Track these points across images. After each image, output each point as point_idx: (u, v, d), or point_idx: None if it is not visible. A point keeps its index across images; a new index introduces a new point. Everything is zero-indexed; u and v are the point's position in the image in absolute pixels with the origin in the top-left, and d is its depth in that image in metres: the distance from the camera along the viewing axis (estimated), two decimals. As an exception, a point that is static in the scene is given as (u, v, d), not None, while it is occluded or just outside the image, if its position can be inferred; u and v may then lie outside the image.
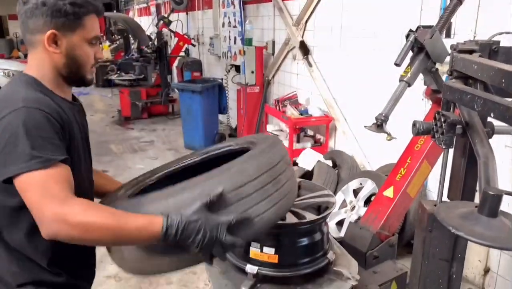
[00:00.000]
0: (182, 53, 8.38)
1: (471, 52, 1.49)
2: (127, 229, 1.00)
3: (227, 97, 6.09)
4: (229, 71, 6.21)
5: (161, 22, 7.96)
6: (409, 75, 1.87)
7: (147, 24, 11.96)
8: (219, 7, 6.64)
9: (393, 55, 3.19)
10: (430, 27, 1.90)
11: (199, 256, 1.07)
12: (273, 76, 5.46)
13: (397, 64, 1.86)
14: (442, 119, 1.39)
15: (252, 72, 5.38)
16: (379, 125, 1.85)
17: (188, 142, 5.78)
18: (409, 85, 1.89)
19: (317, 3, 4.24)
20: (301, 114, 4.23)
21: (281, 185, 1.18)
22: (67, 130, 1.12)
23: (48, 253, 1.15)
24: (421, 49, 1.90)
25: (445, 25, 1.96)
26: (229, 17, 6.19)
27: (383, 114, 1.84)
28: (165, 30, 8.05)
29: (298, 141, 4.29)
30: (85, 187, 1.23)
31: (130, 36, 9.44)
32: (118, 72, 10.54)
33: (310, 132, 4.65)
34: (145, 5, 13.44)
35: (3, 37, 21.97)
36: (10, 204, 1.10)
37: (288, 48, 4.93)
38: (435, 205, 1.71)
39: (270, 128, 4.94)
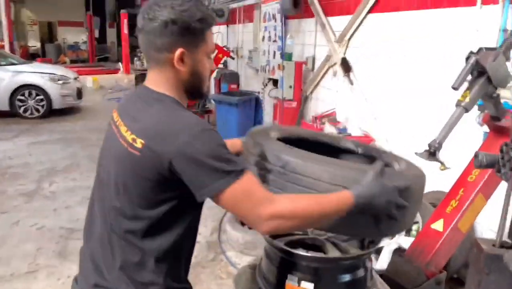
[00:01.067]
0: (220, 65, 8.43)
1: (545, 80, 1.34)
2: (328, 207, 1.13)
3: (263, 111, 6.03)
4: (266, 85, 6.16)
5: (202, 33, 8.03)
6: (467, 100, 1.72)
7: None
8: (260, 21, 6.63)
9: (442, 78, 3.06)
10: (493, 49, 1.75)
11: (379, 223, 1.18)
12: (311, 92, 5.35)
13: (455, 88, 1.71)
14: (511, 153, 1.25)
15: (290, 87, 5.30)
16: (432, 153, 1.70)
17: (222, 154, 5.74)
18: (467, 111, 1.74)
19: (362, 20, 4.13)
20: (340, 133, 4.09)
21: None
22: None
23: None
24: (481, 72, 1.75)
25: (510, 48, 1.80)
26: (269, 32, 6.16)
27: (437, 142, 1.69)
28: (205, 41, 8.11)
29: (335, 161, 4.14)
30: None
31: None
32: (157, 81, 10.74)
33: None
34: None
35: (52, 42, 23.02)
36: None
37: (329, 65, 4.82)
38: (493, 245, 1.55)
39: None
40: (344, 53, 4.49)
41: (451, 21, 3.02)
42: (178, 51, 1.14)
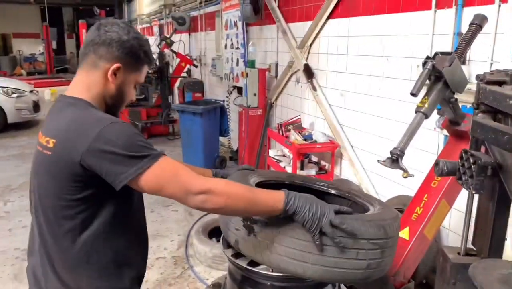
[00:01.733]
0: (184, 74, 8.30)
1: (500, 83, 1.34)
2: (259, 199, 1.17)
3: (229, 119, 5.96)
4: (231, 93, 6.10)
5: (163, 42, 7.91)
6: (426, 106, 1.71)
7: (150, 44, 11.94)
8: (222, 28, 6.58)
9: (403, 81, 3.11)
10: (448, 53, 1.76)
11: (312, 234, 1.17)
12: (276, 99, 5.33)
13: (414, 94, 1.70)
14: (471, 160, 1.23)
15: (255, 94, 5.26)
16: (395, 160, 1.68)
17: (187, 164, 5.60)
18: (427, 117, 1.73)
19: (322, 26, 4.15)
20: (305, 140, 4.07)
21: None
22: None
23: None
24: (439, 77, 1.75)
25: (464, 52, 1.82)
26: (231, 39, 6.12)
27: (399, 149, 1.67)
28: (167, 50, 7.99)
29: (302, 168, 4.12)
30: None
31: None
32: (119, 91, 10.48)
33: (314, 159, 4.48)
34: (148, 25, 13.48)
35: (7, 54, 22.10)
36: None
37: (292, 71, 4.82)
38: (458, 253, 1.53)
39: (272, 153, 4.78)
40: (306, 59, 4.49)
41: (408, 26, 3.07)
42: (116, 64, 1.24)
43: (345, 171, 4.02)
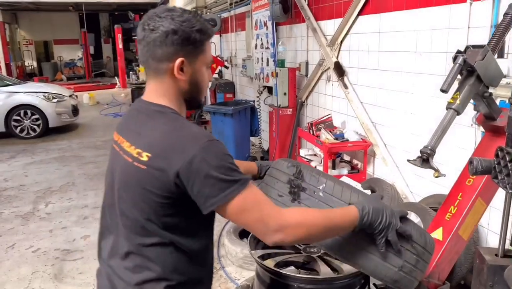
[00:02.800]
0: (215, 75, 8.38)
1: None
2: (335, 221, 1.14)
3: (259, 119, 5.96)
4: (261, 93, 6.10)
5: (195, 44, 8.00)
6: (458, 102, 1.64)
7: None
8: (252, 29, 6.59)
9: (437, 77, 3.00)
10: (481, 46, 1.67)
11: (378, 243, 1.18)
12: (306, 98, 5.28)
13: (444, 91, 1.63)
14: (508, 158, 1.17)
15: (285, 94, 5.24)
16: (425, 160, 1.62)
17: (220, 165, 5.66)
18: (459, 114, 1.66)
19: (353, 22, 4.07)
20: (337, 139, 4.01)
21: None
22: None
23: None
24: (471, 72, 1.67)
25: (498, 44, 1.72)
26: (261, 39, 6.11)
27: (429, 148, 1.61)
28: (198, 52, 8.08)
29: (333, 167, 4.06)
30: None
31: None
32: (153, 94, 10.70)
33: (346, 158, 4.41)
34: (180, 28, 13.69)
35: (49, 60, 23.10)
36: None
37: (322, 69, 4.76)
38: (496, 255, 1.46)
39: (303, 152, 4.74)
40: (337, 57, 4.42)
41: (442, 19, 2.96)
42: (178, 60, 1.15)
43: (378, 170, 3.92)
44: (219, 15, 8.60)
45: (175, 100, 1.20)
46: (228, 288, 3.10)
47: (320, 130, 4.23)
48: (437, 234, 1.79)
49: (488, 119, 1.85)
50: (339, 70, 4.35)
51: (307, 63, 5.16)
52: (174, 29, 1.12)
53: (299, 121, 5.36)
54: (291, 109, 5.30)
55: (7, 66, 16.44)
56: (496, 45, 1.71)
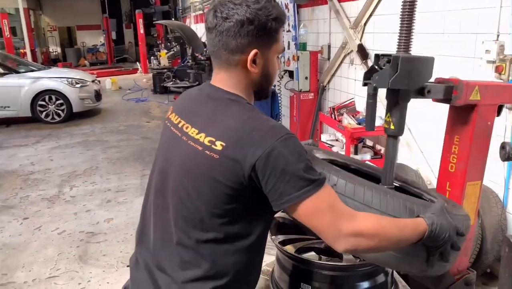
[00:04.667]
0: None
1: None
2: (405, 232, 1.08)
3: (280, 104, 5.90)
4: (282, 77, 6.03)
5: (215, 28, 7.96)
6: (392, 126, 1.49)
7: (203, 31, 12.10)
8: (273, 11, 6.49)
9: (465, 59, 2.88)
10: (388, 56, 1.45)
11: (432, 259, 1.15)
12: (328, 82, 5.19)
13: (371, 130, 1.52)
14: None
15: (306, 78, 5.16)
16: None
17: (240, 150, 5.65)
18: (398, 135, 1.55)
19: (377, 3, 3.94)
20: (359, 124, 3.93)
21: None
22: None
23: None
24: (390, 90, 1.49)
25: (408, 44, 1.50)
26: (283, 22, 6.01)
27: (386, 187, 1.53)
28: (219, 36, 8.04)
29: (356, 152, 3.99)
30: None
31: (186, 43, 9.57)
32: (174, 79, 10.76)
33: (369, 143, 4.33)
34: (201, 12, 13.64)
35: (72, 46, 23.45)
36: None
37: (345, 52, 4.65)
38: (527, 243, 1.40)
39: (324, 137, 4.68)
40: (361, 40, 4.31)
41: (472, -1, 2.83)
42: (252, 52, 1.08)
43: (402, 155, 3.84)
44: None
45: (246, 91, 1.14)
46: (249, 272, 3.11)
47: (342, 115, 4.16)
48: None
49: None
50: (363, 53, 4.24)
51: (329, 46, 5.05)
52: (250, 18, 1.04)
53: (321, 106, 5.28)
54: (312, 94, 5.22)
55: (33, 52, 16.75)
56: (406, 45, 1.48)
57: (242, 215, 1.07)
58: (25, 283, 3.12)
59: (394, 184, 1.54)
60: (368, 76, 1.42)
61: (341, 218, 1.01)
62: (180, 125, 1.15)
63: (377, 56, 1.45)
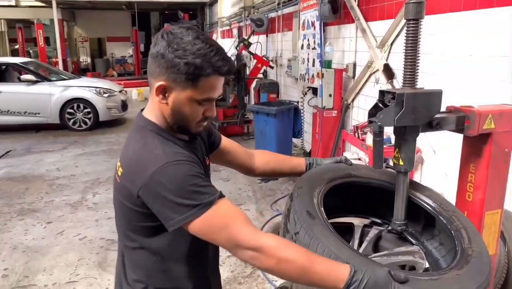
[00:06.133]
0: (260, 75, 8.40)
1: None
2: (316, 269, 1.02)
3: (303, 120, 5.90)
4: (305, 93, 6.04)
5: (241, 44, 8.07)
6: (401, 162, 1.45)
7: (229, 46, 12.27)
8: (299, 29, 6.54)
9: (496, 83, 2.83)
10: (392, 93, 1.42)
11: None
12: (352, 100, 5.17)
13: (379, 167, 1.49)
14: None
15: (330, 95, 5.15)
16: (402, 236, 1.54)
17: (261, 165, 5.65)
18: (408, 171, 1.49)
19: (405, 24, 3.92)
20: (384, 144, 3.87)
21: None
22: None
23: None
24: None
25: (414, 78, 1.48)
26: (308, 39, 6.05)
27: (398, 224, 1.51)
28: (244, 52, 8.14)
29: (377, 172, 3.93)
30: None
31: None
32: (198, 92, 10.88)
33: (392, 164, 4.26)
34: (227, 27, 13.86)
35: (101, 57, 24.13)
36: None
37: (371, 71, 4.64)
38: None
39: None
40: (387, 59, 4.29)
41: (500, 21, 2.78)
42: (159, 83, 1.14)
43: (426, 178, 3.76)
44: (266, 15, 8.60)
45: (161, 117, 1.20)
46: (265, 289, 3.09)
47: (366, 134, 4.12)
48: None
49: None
50: (389, 73, 4.22)
51: (354, 65, 5.05)
52: (163, 53, 1.11)
53: (344, 124, 5.25)
54: (335, 111, 5.21)
55: (64, 61, 17.30)
56: (412, 80, 1.46)
57: (154, 230, 1.18)
58: (45, 287, 3.17)
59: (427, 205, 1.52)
60: (373, 113, 1.39)
61: (238, 231, 1.05)
62: None
63: (381, 93, 1.43)
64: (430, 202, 1.52)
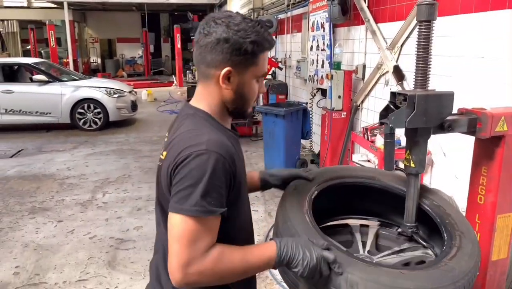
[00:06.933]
0: (268, 76, 8.41)
1: None
2: (252, 261, 1.10)
3: (311, 122, 5.89)
4: (314, 95, 6.04)
5: (251, 45, 8.07)
6: (412, 164, 1.46)
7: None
8: (308, 30, 6.54)
9: (506, 86, 2.80)
10: (404, 95, 1.44)
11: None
12: (362, 102, 5.15)
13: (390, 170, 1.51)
14: None
15: (339, 97, 5.14)
16: (412, 238, 1.53)
17: (269, 166, 5.67)
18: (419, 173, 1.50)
19: (416, 25, 3.91)
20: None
21: None
22: (237, 172, 1.15)
23: None
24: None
25: (425, 78, 1.54)
26: (317, 40, 6.04)
27: (409, 226, 1.51)
28: (253, 53, 8.14)
29: (387, 174, 3.92)
30: (248, 220, 1.32)
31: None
32: (207, 93, 10.92)
33: (402, 166, 4.24)
34: (237, 28, 13.86)
35: (111, 58, 24.33)
36: None
37: (380, 73, 4.62)
38: None
39: (356, 158, 4.63)
40: (397, 61, 4.27)
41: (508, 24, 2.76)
42: (225, 69, 1.13)
43: (436, 180, 3.74)
44: (275, 16, 8.61)
45: (215, 106, 1.19)
46: (273, 290, 3.09)
47: (375, 136, 4.11)
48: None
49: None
50: (399, 75, 4.20)
51: (364, 66, 5.03)
52: (226, 37, 1.10)
53: (353, 126, 5.24)
54: (345, 113, 5.19)
55: (75, 62, 17.50)
56: (423, 82, 1.48)
57: None
58: (56, 284, 3.21)
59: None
60: (385, 114, 1.39)
61: (187, 257, 1.03)
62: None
63: (393, 94, 1.44)
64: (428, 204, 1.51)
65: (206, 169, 1.04)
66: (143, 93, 13.51)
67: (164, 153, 1.15)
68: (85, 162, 6.58)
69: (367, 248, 1.54)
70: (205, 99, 1.20)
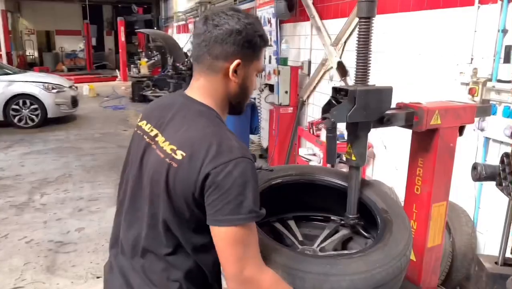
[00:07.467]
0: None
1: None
2: None
3: (260, 117, 5.92)
4: (262, 90, 6.06)
5: (197, 39, 7.97)
6: (353, 157, 1.51)
7: (184, 42, 12.09)
8: (255, 25, 6.56)
9: (442, 81, 2.96)
10: (344, 91, 1.49)
11: None
12: (307, 98, 5.25)
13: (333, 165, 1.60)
14: (515, 165, 1.13)
15: (286, 92, 5.20)
16: (356, 231, 1.60)
17: (218, 162, 5.62)
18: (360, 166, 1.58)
19: (358, 22, 4.03)
20: (337, 139, 3.97)
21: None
22: None
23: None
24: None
25: (365, 75, 1.56)
26: (264, 36, 6.08)
27: (351, 217, 1.56)
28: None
29: (332, 168, 4.02)
30: None
31: (167, 53, 9.54)
32: (153, 88, 10.68)
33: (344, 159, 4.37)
34: (183, 22, 13.65)
35: (50, 51, 23.05)
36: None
37: (325, 69, 4.72)
38: (496, 263, 1.43)
39: (302, 152, 4.71)
40: (341, 57, 4.39)
41: (448, 22, 2.92)
42: (236, 61, 1.11)
43: (378, 172, 3.89)
44: (222, 11, 8.54)
45: (220, 102, 1.17)
46: None
47: (320, 130, 4.20)
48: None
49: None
50: (342, 70, 4.32)
51: (309, 62, 5.12)
52: (239, 29, 1.10)
53: (300, 121, 5.33)
54: (291, 108, 5.26)
55: (8, 54, 16.39)
56: (363, 77, 1.52)
57: (198, 225, 1.10)
58: (-13, 294, 2.99)
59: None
60: (327, 109, 1.43)
61: (248, 260, 1.04)
62: (152, 134, 1.17)
63: (334, 89, 1.48)
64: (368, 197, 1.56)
65: (248, 175, 1.03)
66: (85, 88, 12.91)
67: (181, 153, 1.07)
68: (21, 161, 6.17)
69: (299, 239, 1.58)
70: (210, 95, 1.15)
